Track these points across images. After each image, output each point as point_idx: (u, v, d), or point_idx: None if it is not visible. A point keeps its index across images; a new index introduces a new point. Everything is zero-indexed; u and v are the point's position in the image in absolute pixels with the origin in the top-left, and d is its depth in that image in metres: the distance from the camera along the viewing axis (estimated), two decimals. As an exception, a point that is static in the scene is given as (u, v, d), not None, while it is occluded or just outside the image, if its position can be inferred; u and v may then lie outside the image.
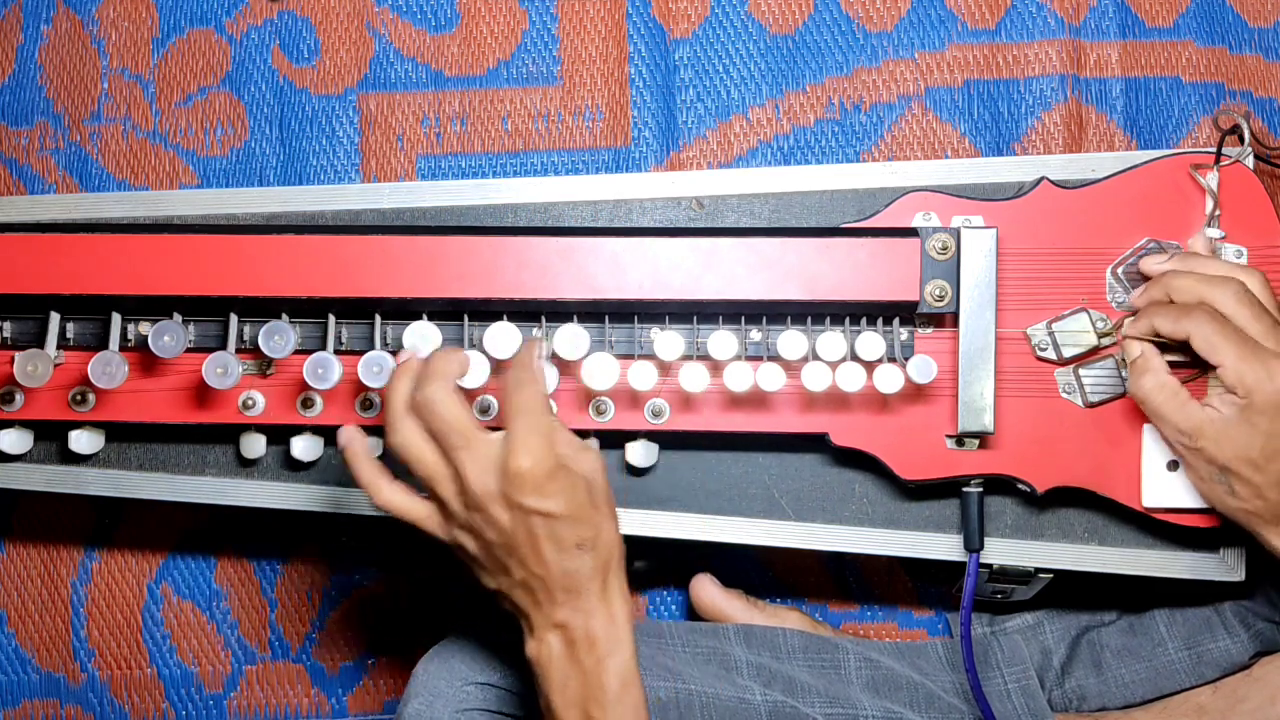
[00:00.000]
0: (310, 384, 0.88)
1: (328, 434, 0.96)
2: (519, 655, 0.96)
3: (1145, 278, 0.93)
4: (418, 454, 0.79)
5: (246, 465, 0.98)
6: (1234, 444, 0.85)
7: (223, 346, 0.91)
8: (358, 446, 0.83)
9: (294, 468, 0.98)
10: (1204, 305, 0.87)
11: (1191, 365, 0.91)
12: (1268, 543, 0.88)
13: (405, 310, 0.92)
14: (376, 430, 0.95)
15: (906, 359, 0.92)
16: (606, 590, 0.80)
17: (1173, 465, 0.93)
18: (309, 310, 0.92)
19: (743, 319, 0.93)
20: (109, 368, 0.88)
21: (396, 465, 0.81)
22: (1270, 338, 0.85)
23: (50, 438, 0.97)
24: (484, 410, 0.93)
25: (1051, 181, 0.95)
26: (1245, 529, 0.89)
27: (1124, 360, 0.93)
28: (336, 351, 0.92)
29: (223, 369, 0.88)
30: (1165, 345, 0.90)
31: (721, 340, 0.91)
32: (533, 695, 0.95)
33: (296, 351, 0.90)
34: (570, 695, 0.79)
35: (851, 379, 0.90)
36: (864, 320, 0.93)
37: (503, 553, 0.79)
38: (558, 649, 0.80)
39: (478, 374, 0.89)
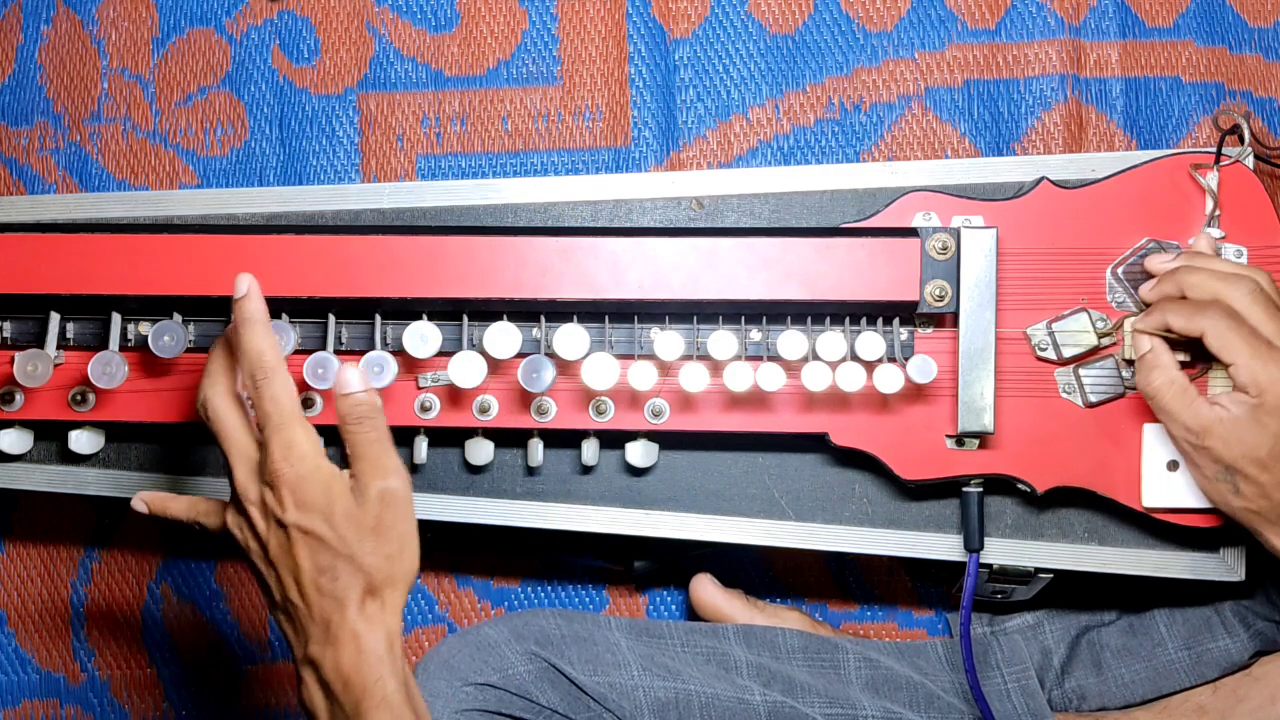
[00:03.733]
0: (310, 384, 0.88)
1: (327, 434, 0.96)
2: (515, 660, 0.96)
3: (1149, 276, 0.93)
4: (221, 424, 0.79)
5: (246, 465, 0.98)
6: (1242, 443, 0.85)
7: (223, 346, 0.91)
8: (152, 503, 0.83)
9: (294, 468, 0.97)
10: (1219, 302, 0.86)
11: (1194, 363, 0.91)
12: (1269, 543, 0.88)
13: (405, 310, 0.92)
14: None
15: (906, 359, 0.92)
16: (363, 622, 0.75)
17: (1173, 465, 0.93)
18: (309, 310, 0.92)
19: (743, 319, 0.93)
20: (109, 368, 0.88)
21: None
22: None
23: (50, 438, 0.97)
24: (483, 410, 0.93)
25: (1051, 181, 0.95)
26: (1247, 529, 0.89)
27: (1125, 360, 0.93)
28: (336, 351, 0.92)
29: (223, 369, 0.88)
30: (1169, 342, 0.90)
31: (721, 340, 0.91)
32: (534, 699, 0.95)
33: (296, 351, 0.90)
34: None
35: (851, 379, 0.90)
36: (864, 320, 0.93)
37: (262, 564, 0.78)
38: (316, 692, 0.76)
39: (477, 374, 0.89)
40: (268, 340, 0.79)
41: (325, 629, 0.75)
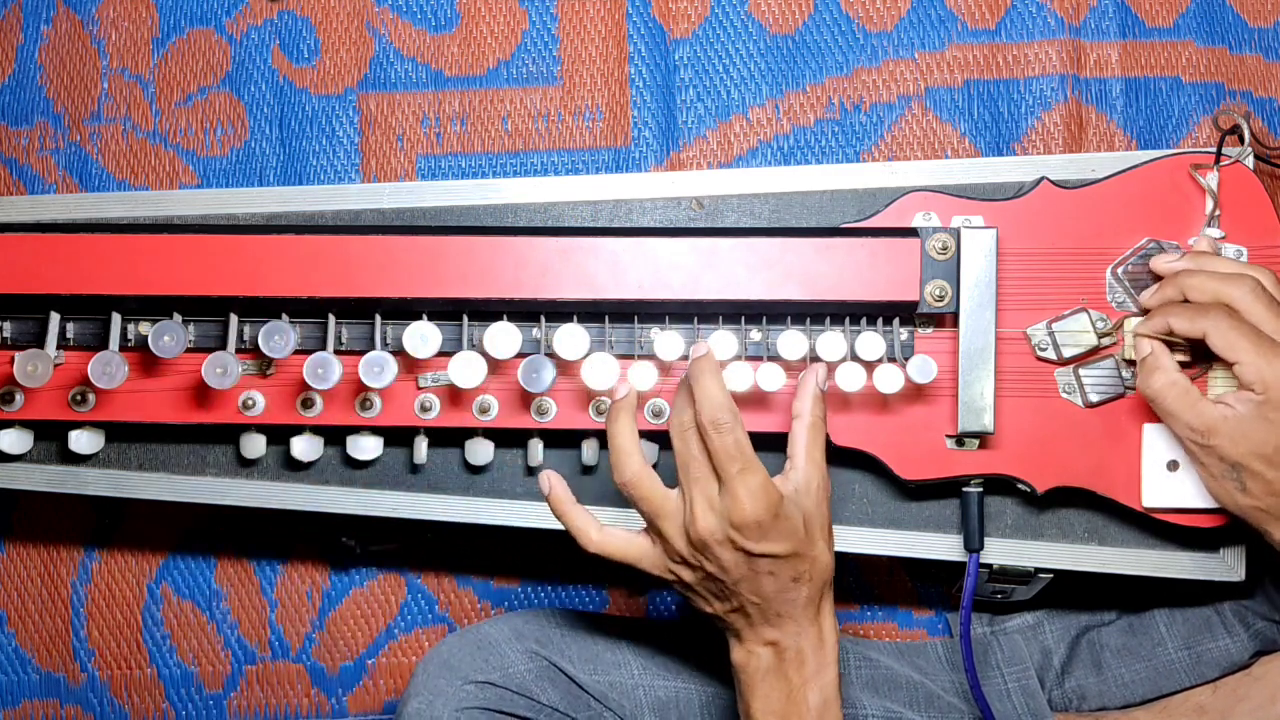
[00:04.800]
0: (310, 384, 0.88)
1: (328, 434, 0.96)
2: (515, 659, 0.96)
3: (1152, 278, 0.93)
4: (647, 491, 0.82)
5: (246, 465, 0.98)
6: (1249, 440, 0.85)
7: (223, 346, 0.91)
8: (560, 492, 0.86)
9: (294, 468, 0.98)
10: (1220, 304, 0.87)
11: (1194, 363, 0.91)
12: (1275, 540, 0.88)
13: (405, 310, 0.92)
14: (379, 430, 0.95)
15: (906, 359, 0.92)
16: (819, 614, 0.83)
17: (1173, 465, 0.93)
18: (309, 310, 0.92)
19: (743, 319, 0.93)
20: (109, 368, 0.88)
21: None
22: None
23: (50, 438, 0.97)
24: (483, 410, 0.93)
25: (1051, 181, 0.95)
26: (1253, 526, 0.89)
27: (1125, 360, 0.93)
28: (336, 351, 0.92)
29: (222, 369, 0.88)
30: (1169, 343, 0.90)
31: (721, 340, 0.91)
32: (534, 697, 0.95)
33: (296, 351, 0.90)
34: (773, 706, 0.83)
35: (851, 379, 0.90)
36: (864, 320, 0.93)
37: (722, 586, 0.82)
38: (767, 661, 0.83)
39: (477, 374, 0.89)
40: (724, 389, 0.82)
41: (789, 618, 0.83)
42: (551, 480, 0.86)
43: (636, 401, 0.86)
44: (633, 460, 0.82)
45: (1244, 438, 0.85)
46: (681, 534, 0.82)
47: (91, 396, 0.93)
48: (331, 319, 0.93)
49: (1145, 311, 0.92)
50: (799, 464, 0.83)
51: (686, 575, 0.83)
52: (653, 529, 0.83)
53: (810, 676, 0.83)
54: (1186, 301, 0.89)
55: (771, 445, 0.97)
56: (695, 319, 0.93)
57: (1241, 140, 0.97)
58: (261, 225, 0.95)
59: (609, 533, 0.85)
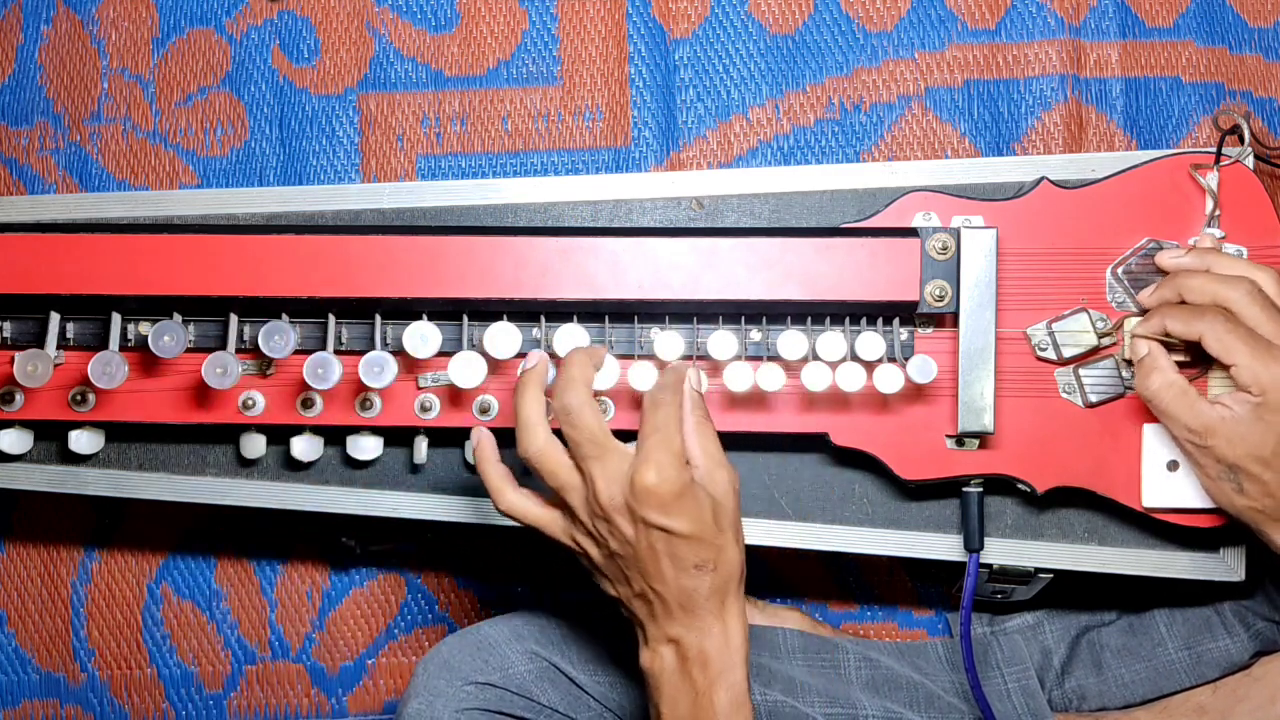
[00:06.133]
0: (310, 384, 0.88)
1: (328, 434, 0.96)
2: (515, 659, 0.96)
3: (1158, 273, 0.93)
4: (552, 464, 0.81)
5: (246, 465, 0.98)
6: (1246, 442, 0.85)
7: (223, 346, 0.91)
8: (487, 450, 0.84)
9: (294, 468, 0.98)
10: (1216, 306, 0.87)
11: (1193, 364, 0.91)
12: (1273, 541, 0.88)
13: (405, 310, 0.92)
14: (377, 430, 0.95)
15: (906, 359, 0.92)
16: (724, 611, 0.81)
17: (1173, 465, 0.93)
18: (309, 310, 0.92)
19: (743, 319, 0.93)
20: (109, 368, 0.88)
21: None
22: None
23: (50, 438, 0.97)
24: (483, 410, 0.93)
25: (1051, 181, 0.95)
26: (1251, 527, 0.89)
27: (1125, 360, 0.93)
28: (336, 351, 0.92)
29: (223, 369, 0.88)
30: (1167, 344, 0.90)
31: (721, 340, 0.91)
32: (534, 698, 0.95)
33: (296, 351, 0.90)
34: (681, 711, 0.81)
35: (851, 379, 0.90)
36: (864, 320, 0.93)
37: (624, 564, 0.80)
38: (670, 663, 0.81)
39: (476, 374, 0.89)
40: (672, 374, 0.82)
41: (693, 615, 0.80)
42: (481, 436, 0.85)
43: (547, 372, 0.84)
44: (539, 432, 0.81)
45: (1241, 440, 0.85)
46: (585, 505, 0.80)
47: (91, 396, 0.93)
48: (331, 319, 0.93)
49: (1145, 311, 0.92)
50: (698, 460, 0.81)
51: (590, 549, 0.82)
52: (559, 501, 0.82)
53: (716, 678, 0.80)
54: (1184, 302, 0.89)
55: (772, 445, 0.97)
56: (695, 319, 0.93)
57: (1241, 140, 0.97)
58: (261, 225, 0.95)
59: (524, 494, 0.83)
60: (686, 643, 0.80)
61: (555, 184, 0.99)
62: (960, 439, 0.93)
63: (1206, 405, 0.87)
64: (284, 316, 0.91)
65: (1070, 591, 1.06)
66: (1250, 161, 0.95)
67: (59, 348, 0.93)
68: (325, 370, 0.88)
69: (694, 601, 0.80)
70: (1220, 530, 0.94)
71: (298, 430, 0.95)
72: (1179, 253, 0.92)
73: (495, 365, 0.92)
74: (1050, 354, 0.93)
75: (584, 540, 0.82)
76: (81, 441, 0.95)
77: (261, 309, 0.92)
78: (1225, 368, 0.86)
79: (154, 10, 1.18)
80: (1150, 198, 0.95)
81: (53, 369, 0.90)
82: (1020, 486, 0.94)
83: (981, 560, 0.96)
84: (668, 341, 0.91)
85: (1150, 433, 0.93)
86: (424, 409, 0.93)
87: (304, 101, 1.17)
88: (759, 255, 0.90)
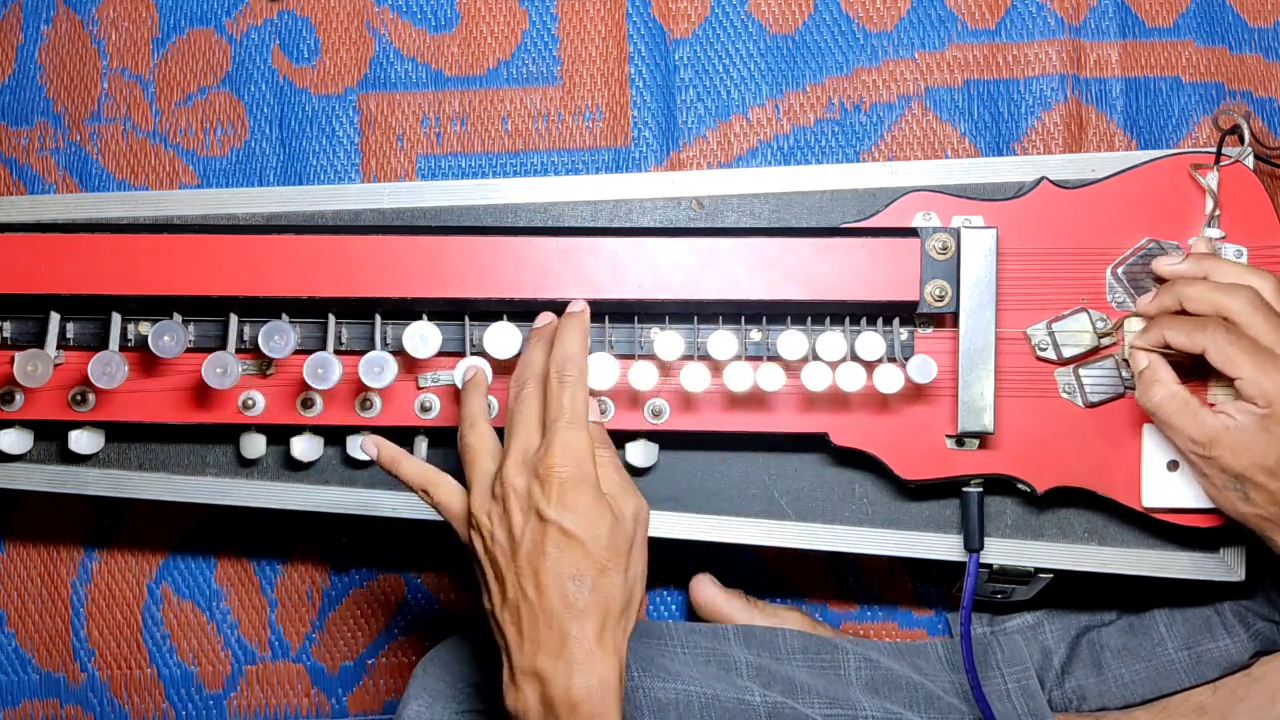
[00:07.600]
0: (310, 384, 0.88)
1: (328, 434, 0.96)
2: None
3: (1156, 280, 0.93)
4: (484, 441, 0.81)
5: (246, 465, 0.98)
6: (1251, 452, 0.85)
7: (223, 346, 0.91)
8: (481, 382, 0.85)
9: (294, 468, 0.98)
10: (1218, 319, 0.86)
11: (1194, 373, 0.91)
12: (1278, 546, 0.88)
13: (405, 310, 0.92)
14: (379, 430, 0.95)
15: (906, 359, 0.92)
16: (599, 643, 0.75)
17: (1172, 465, 0.93)
18: (309, 310, 0.92)
19: (743, 319, 0.93)
20: (109, 368, 0.88)
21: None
22: None
23: (50, 438, 0.97)
24: (484, 410, 0.93)
25: (1051, 181, 0.95)
26: (1256, 534, 0.89)
27: (1125, 360, 0.93)
28: (336, 351, 0.92)
29: (223, 369, 0.88)
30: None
31: (721, 340, 0.91)
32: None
33: (296, 351, 0.90)
34: None
35: (851, 379, 0.90)
36: (864, 320, 0.93)
37: (504, 556, 0.78)
38: (534, 706, 0.75)
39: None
40: (585, 347, 0.82)
41: (562, 643, 0.74)
42: (377, 444, 0.85)
43: (487, 381, 0.86)
44: (479, 421, 0.82)
45: (1246, 450, 0.85)
46: (486, 481, 0.78)
47: (91, 396, 0.93)
48: (331, 319, 0.93)
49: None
50: (609, 485, 0.78)
51: (477, 542, 0.79)
52: (467, 479, 0.80)
53: None
54: (1184, 312, 0.89)
55: (772, 445, 0.97)
56: (695, 319, 0.93)
57: (1241, 140, 0.97)
58: (261, 225, 0.95)
59: (418, 463, 0.84)
60: (553, 682, 0.74)
61: (555, 184, 0.99)
62: (960, 439, 0.93)
63: (1210, 416, 0.87)
64: (284, 316, 0.91)
65: (1070, 591, 1.06)
66: (1250, 161, 0.95)
67: (59, 348, 0.93)
68: (325, 370, 0.88)
69: (565, 622, 0.74)
70: (1220, 530, 0.94)
71: (298, 430, 0.95)
72: (1176, 259, 0.91)
73: (496, 365, 0.92)
74: (1050, 354, 0.93)
75: (476, 528, 0.79)
76: (81, 441, 0.95)
77: (261, 309, 0.92)
78: (1229, 379, 0.85)
79: (154, 10, 1.18)
80: (1150, 198, 0.95)
81: (53, 369, 0.90)
82: (1020, 486, 0.94)
83: (981, 560, 0.96)
84: (668, 341, 0.91)
85: (1150, 433, 0.93)
86: (424, 409, 0.93)
87: (304, 101, 1.17)
88: (759, 255, 0.90)
